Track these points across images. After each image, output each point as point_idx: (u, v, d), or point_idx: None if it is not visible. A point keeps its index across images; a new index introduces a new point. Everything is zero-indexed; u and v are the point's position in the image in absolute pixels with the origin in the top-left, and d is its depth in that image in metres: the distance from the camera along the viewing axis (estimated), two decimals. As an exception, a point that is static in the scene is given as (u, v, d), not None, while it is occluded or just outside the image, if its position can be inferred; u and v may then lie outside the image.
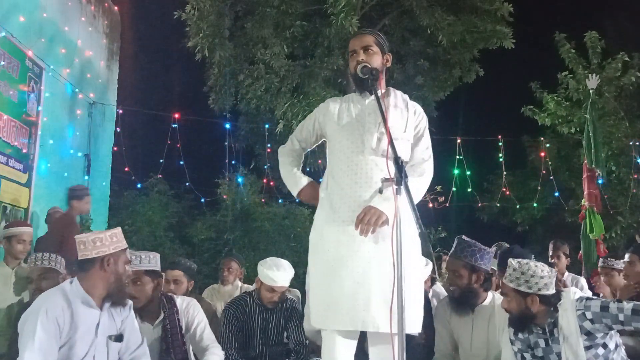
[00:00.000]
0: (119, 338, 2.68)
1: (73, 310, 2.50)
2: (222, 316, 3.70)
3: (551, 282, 2.66)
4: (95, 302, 2.58)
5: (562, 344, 2.58)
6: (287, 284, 3.56)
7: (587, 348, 2.55)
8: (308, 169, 8.82)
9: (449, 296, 3.19)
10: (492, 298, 3.10)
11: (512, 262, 2.72)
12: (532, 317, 2.67)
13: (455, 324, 3.15)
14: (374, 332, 2.36)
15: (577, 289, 2.83)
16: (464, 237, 3.17)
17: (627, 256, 3.83)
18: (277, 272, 3.48)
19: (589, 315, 2.55)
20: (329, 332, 2.42)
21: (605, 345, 2.60)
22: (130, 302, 2.79)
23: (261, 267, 3.54)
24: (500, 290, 2.88)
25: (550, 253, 5.04)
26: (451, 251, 3.17)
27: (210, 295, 4.80)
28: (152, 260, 3.14)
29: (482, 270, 3.06)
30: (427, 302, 3.26)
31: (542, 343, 2.69)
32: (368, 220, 2.28)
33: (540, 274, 2.64)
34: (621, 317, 2.48)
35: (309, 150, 2.80)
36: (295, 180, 2.67)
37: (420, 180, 2.51)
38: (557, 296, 2.68)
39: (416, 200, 2.51)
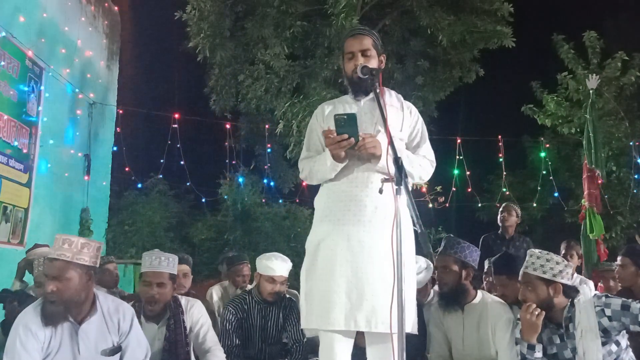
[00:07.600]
0: (114, 351, 2.58)
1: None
2: (222, 314, 3.71)
3: (570, 272, 2.67)
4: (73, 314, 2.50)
5: (578, 340, 2.56)
6: (285, 274, 3.61)
7: (602, 344, 2.54)
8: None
9: (439, 293, 3.18)
10: (482, 297, 3.09)
11: (534, 250, 2.71)
12: (552, 308, 2.64)
13: (447, 324, 3.14)
14: (372, 332, 2.36)
15: (591, 287, 2.82)
16: (451, 235, 3.19)
17: (619, 259, 3.77)
18: (275, 262, 3.53)
19: (608, 312, 2.55)
20: (327, 332, 2.42)
21: (618, 343, 2.60)
22: (130, 314, 2.69)
23: (259, 259, 3.61)
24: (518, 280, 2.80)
25: (563, 252, 4.97)
26: (440, 249, 3.17)
27: (220, 295, 4.75)
28: (170, 263, 3.12)
29: (471, 266, 3.06)
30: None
31: (556, 339, 2.68)
32: (366, 143, 2.32)
33: (562, 261, 2.65)
34: None
35: None
36: (322, 156, 2.47)
37: (425, 161, 2.55)
38: (576, 289, 2.68)
39: (418, 174, 2.52)
